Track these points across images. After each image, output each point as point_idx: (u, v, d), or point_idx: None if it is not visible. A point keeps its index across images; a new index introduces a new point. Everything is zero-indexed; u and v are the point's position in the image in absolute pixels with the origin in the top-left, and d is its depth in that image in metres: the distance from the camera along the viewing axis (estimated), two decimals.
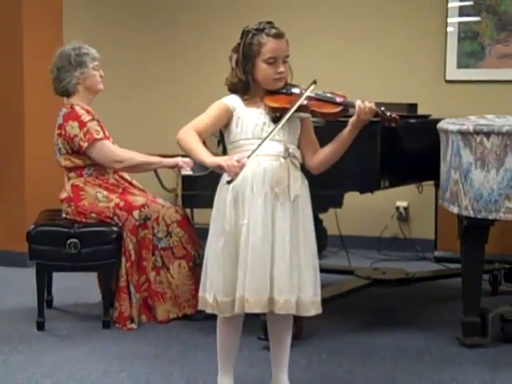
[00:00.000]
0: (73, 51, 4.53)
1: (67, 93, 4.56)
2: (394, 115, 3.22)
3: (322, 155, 3.26)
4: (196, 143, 3.10)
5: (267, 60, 3.14)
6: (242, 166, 2.96)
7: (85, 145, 4.40)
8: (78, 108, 4.48)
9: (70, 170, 4.53)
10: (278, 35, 3.16)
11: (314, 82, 3.18)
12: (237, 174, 2.96)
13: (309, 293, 3.15)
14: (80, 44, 4.59)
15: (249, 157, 3.00)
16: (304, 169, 3.25)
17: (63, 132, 4.46)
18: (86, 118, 4.45)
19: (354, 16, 6.18)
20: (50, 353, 3.99)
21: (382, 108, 3.20)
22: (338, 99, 3.22)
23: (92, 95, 4.61)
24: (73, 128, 4.42)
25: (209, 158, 3.04)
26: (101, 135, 4.44)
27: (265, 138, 3.08)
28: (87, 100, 4.58)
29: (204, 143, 3.26)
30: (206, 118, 3.17)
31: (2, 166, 5.84)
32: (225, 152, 3.35)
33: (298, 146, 3.23)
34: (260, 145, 3.05)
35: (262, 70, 3.16)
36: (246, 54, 3.17)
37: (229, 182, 3.00)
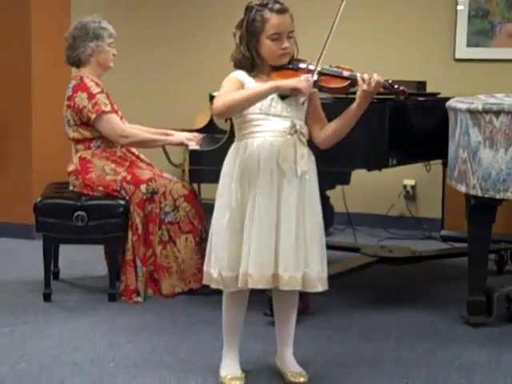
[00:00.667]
0: (92, 23, 4.54)
1: (79, 62, 4.56)
2: (401, 87, 3.20)
3: (330, 130, 3.23)
4: (244, 90, 3.10)
5: (271, 36, 3.12)
6: (311, 85, 3.05)
7: (93, 116, 4.41)
8: (87, 80, 4.49)
9: (77, 142, 4.53)
10: (282, 10, 3.12)
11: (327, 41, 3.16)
12: (307, 94, 3.05)
13: (315, 269, 3.15)
14: (100, 18, 4.60)
15: (312, 75, 3.08)
16: (311, 145, 3.24)
17: (72, 103, 4.46)
18: (95, 89, 4.45)
19: None
20: (56, 324, 4.01)
21: (390, 80, 3.18)
22: (345, 73, 3.20)
23: (102, 70, 4.61)
24: (82, 99, 4.43)
25: (277, 83, 3.06)
26: (108, 108, 4.44)
27: (324, 46, 3.14)
28: (97, 74, 4.58)
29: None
30: (228, 89, 3.12)
31: (9, 139, 5.85)
32: (232, 128, 3.34)
33: (305, 122, 3.22)
34: (320, 58, 3.12)
35: (267, 46, 3.14)
36: (250, 31, 3.14)
37: (303, 103, 3.09)
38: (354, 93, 3.20)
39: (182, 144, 4.47)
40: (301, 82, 3.03)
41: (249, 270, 3.08)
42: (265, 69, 3.19)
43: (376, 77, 3.11)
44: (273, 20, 3.11)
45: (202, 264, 4.16)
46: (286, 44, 3.14)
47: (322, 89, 3.23)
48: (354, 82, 3.18)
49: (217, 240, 3.17)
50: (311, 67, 3.15)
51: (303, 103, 3.08)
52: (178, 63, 6.54)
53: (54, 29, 5.80)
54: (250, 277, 3.07)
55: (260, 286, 3.11)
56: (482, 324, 3.98)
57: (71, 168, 4.54)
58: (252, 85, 3.15)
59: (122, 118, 4.59)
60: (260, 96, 3.07)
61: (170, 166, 5.99)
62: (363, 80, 3.12)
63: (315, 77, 3.10)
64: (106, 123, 4.44)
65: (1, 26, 5.78)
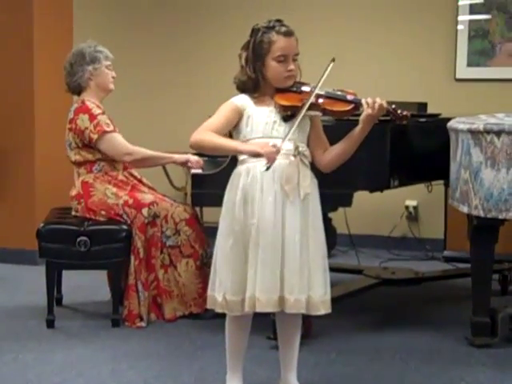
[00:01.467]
0: (88, 48, 4.57)
1: (79, 88, 4.58)
2: (405, 113, 3.21)
3: (333, 153, 3.25)
4: (219, 138, 3.11)
5: (277, 58, 3.14)
6: (278, 152, 3.00)
7: (95, 137, 4.42)
8: (88, 102, 4.51)
9: (79, 165, 4.54)
10: (288, 33, 3.15)
11: (333, 60, 3.15)
12: (274, 160, 2.98)
13: (319, 292, 3.14)
14: (95, 43, 4.62)
15: (283, 141, 3.04)
16: (313, 167, 3.25)
17: (74, 125, 4.47)
18: (96, 111, 4.47)
19: (363, 15, 6.16)
20: (60, 351, 4.00)
21: (393, 106, 3.19)
22: (349, 97, 3.21)
23: (103, 93, 4.63)
24: (83, 121, 4.44)
25: (243, 146, 3.07)
26: (111, 128, 4.46)
27: (294, 124, 3.09)
28: (98, 97, 4.60)
29: None
30: (217, 119, 3.17)
31: (12, 164, 5.85)
32: None
33: (308, 145, 3.23)
34: (289, 133, 3.08)
35: (272, 67, 3.15)
36: (256, 52, 3.16)
37: (267, 169, 3.00)
38: (357, 115, 3.21)
39: (186, 162, 4.46)
40: (266, 146, 3.01)
41: (256, 293, 3.08)
42: (268, 91, 3.21)
43: (379, 100, 3.13)
44: (279, 42, 3.13)
45: (202, 288, 4.19)
46: (292, 66, 3.17)
47: (325, 112, 3.23)
48: (357, 105, 3.18)
49: (221, 264, 3.17)
50: (313, 90, 3.16)
51: (267, 169, 3.01)
52: (179, 85, 6.56)
53: (57, 53, 5.81)
54: (258, 300, 3.07)
55: (268, 310, 3.11)
56: (487, 345, 3.97)
57: (74, 192, 4.54)
58: (253, 109, 3.16)
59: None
60: (225, 151, 3.25)
61: (173, 189, 6.00)
62: (367, 104, 3.12)
63: (284, 145, 3.07)
64: (109, 142, 4.45)
65: (3, 51, 5.80)
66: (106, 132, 4.43)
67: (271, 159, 2.98)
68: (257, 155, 3.01)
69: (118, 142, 4.47)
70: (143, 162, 4.57)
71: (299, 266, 3.10)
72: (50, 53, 5.88)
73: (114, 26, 6.59)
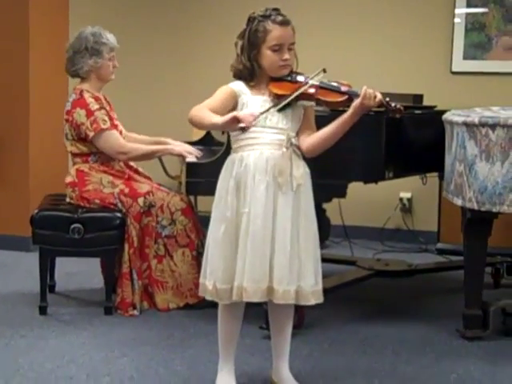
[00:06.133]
0: (92, 37, 4.50)
1: (77, 76, 4.56)
2: (398, 106, 3.21)
3: (318, 136, 3.20)
4: (208, 112, 3.09)
5: (272, 47, 3.13)
6: (255, 117, 2.99)
7: (91, 134, 4.40)
8: (87, 95, 4.47)
9: (75, 155, 4.53)
10: (284, 22, 3.15)
11: (324, 71, 3.16)
12: (251, 123, 2.98)
13: (309, 282, 3.15)
14: (101, 31, 4.54)
15: (261, 113, 3.04)
16: (306, 158, 3.24)
17: (70, 118, 4.45)
18: (94, 106, 4.44)
19: (359, 6, 6.14)
20: (52, 337, 4.00)
21: (387, 99, 3.19)
22: (343, 88, 3.22)
23: (102, 84, 4.60)
24: (80, 116, 4.42)
25: (221, 118, 3.04)
26: (107, 125, 4.43)
27: (276, 105, 3.10)
28: (97, 87, 4.57)
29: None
30: (213, 101, 3.16)
31: (6, 151, 5.84)
32: (229, 139, 3.35)
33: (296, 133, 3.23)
34: (269, 109, 3.08)
35: (267, 56, 3.15)
36: (252, 41, 3.16)
37: (243, 129, 2.99)
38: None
39: (180, 155, 4.44)
40: (244, 114, 3.03)
41: (243, 283, 3.08)
42: (264, 80, 3.20)
43: (379, 95, 3.13)
44: (275, 31, 3.13)
45: (198, 279, 4.16)
46: (287, 56, 3.16)
47: (318, 102, 3.24)
48: (351, 97, 3.18)
49: (212, 252, 3.18)
50: (308, 80, 3.16)
51: (242, 129, 3.01)
52: (176, 74, 6.54)
53: (52, 40, 5.82)
54: (245, 290, 3.08)
55: (255, 300, 3.11)
56: (478, 338, 3.98)
57: (68, 180, 4.53)
58: (248, 97, 3.17)
59: (121, 132, 4.57)
60: (210, 124, 3.13)
61: (167, 177, 5.98)
62: (368, 94, 3.10)
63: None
64: (105, 140, 4.42)
65: None
66: (102, 130, 4.41)
67: (247, 122, 2.97)
68: (234, 120, 2.97)
69: (114, 140, 4.45)
70: (137, 159, 4.56)
71: (289, 256, 3.10)
72: (45, 38, 5.87)
73: (111, 11, 6.55)
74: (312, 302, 3.17)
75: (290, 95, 3.14)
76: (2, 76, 5.80)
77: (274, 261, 3.09)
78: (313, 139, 3.21)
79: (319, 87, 3.20)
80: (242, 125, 2.96)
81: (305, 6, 6.09)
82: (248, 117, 2.98)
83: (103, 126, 4.41)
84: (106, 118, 4.45)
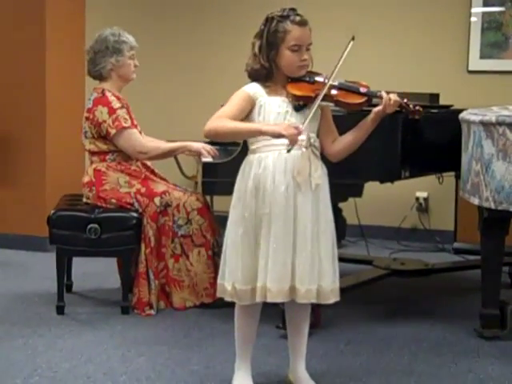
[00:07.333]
0: (112, 37, 4.53)
1: (100, 77, 4.57)
2: (417, 107, 3.21)
3: (343, 143, 3.26)
4: (234, 122, 3.10)
5: (292, 47, 3.14)
6: (299, 134, 3.00)
7: (112, 131, 4.41)
8: (109, 94, 4.49)
9: (93, 154, 4.54)
10: (303, 22, 3.15)
11: (353, 39, 3.16)
12: (296, 142, 2.99)
13: (329, 281, 3.16)
14: (120, 31, 4.57)
15: (303, 124, 3.04)
16: (323, 157, 3.25)
17: (91, 116, 4.47)
18: (116, 104, 4.45)
19: (377, 7, 6.14)
20: (70, 337, 4.01)
21: (405, 100, 3.19)
22: (362, 89, 3.21)
23: (124, 83, 4.62)
24: (102, 113, 4.43)
25: (265, 127, 3.05)
26: (129, 123, 4.44)
27: (310, 114, 3.08)
28: (118, 87, 4.59)
29: None
30: (230, 108, 3.16)
31: (23, 151, 5.87)
32: (245, 141, 3.35)
33: (317, 135, 3.23)
34: (307, 119, 3.07)
35: (286, 57, 3.15)
36: (270, 41, 3.16)
37: (289, 151, 3.01)
38: (368, 106, 3.21)
39: (198, 152, 4.43)
40: (288, 128, 3.00)
41: (267, 284, 3.09)
42: (281, 80, 3.20)
43: (397, 99, 3.16)
44: (294, 32, 3.13)
45: (214, 278, 4.18)
46: (306, 56, 3.17)
47: (337, 103, 3.24)
48: (370, 98, 3.19)
49: (231, 253, 3.18)
50: (327, 81, 3.16)
51: (289, 151, 3.02)
52: (191, 74, 6.55)
53: (69, 40, 5.85)
54: (269, 291, 3.09)
55: (278, 300, 3.13)
56: (496, 337, 3.96)
57: (86, 179, 4.54)
58: (265, 99, 3.16)
59: (141, 133, 4.58)
60: (244, 135, 3.20)
61: (183, 177, 5.99)
62: (388, 99, 3.14)
63: (305, 135, 3.08)
64: (126, 139, 4.44)
65: (15, 39, 5.80)
66: (124, 128, 4.42)
67: (293, 141, 2.99)
68: (279, 136, 3.00)
69: (135, 139, 4.47)
70: (158, 158, 4.57)
71: (310, 256, 3.11)
72: (62, 38, 5.90)
73: (126, 14, 6.56)
74: (331, 300, 3.19)
75: (310, 97, 3.13)
76: (18, 76, 5.83)
77: (295, 260, 3.10)
78: (339, 146, 3.26)
79: (339, 88, 3.20)
80: (288, 147, 3.00)
81: (320, 9, 6.04)
82: (295, 136, 2.98)
83: (125, 125, 4.42)
84: (127, 117, 4.47)
